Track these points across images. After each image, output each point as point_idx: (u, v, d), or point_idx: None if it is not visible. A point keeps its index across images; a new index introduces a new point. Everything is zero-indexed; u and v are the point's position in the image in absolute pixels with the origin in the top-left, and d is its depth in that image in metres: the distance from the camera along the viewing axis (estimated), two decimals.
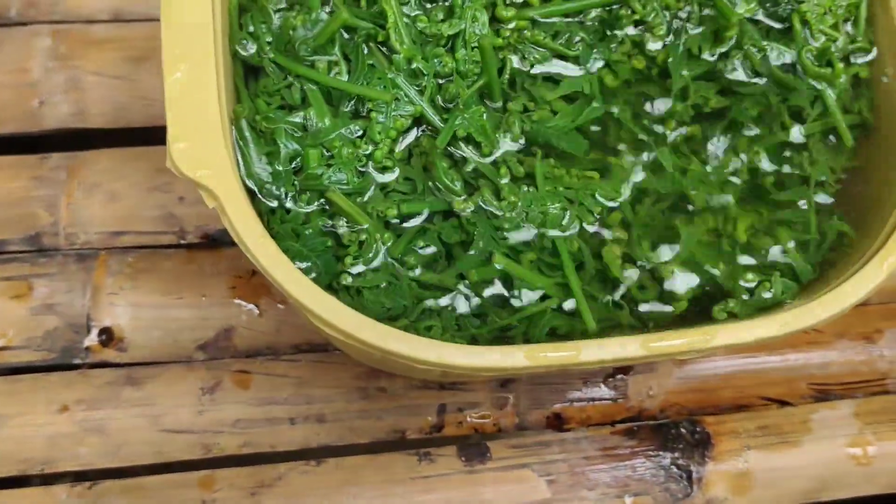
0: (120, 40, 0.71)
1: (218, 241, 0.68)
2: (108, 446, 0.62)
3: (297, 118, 0.54)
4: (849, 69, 0.59)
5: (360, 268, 0.53)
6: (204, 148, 0.49)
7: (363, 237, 0.53)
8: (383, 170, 0.54)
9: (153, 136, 0.69)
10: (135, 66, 0.71)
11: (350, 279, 0.52)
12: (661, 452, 0.64)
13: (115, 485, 0.61)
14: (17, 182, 0.68)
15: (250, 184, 0.53)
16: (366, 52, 0.55)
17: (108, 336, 0.65)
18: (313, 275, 0.52)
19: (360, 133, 0.54)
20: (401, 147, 0.55)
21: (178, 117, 0.49)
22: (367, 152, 0.54)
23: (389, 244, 0.53)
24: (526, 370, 0.48)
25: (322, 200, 0.54)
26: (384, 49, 0.55)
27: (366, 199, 0.54)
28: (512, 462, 0.63)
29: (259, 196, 0.53)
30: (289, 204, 0.53)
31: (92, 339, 0.65)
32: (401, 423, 0.64)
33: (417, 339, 0.47)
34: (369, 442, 0.64)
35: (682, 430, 0.65)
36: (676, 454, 0.64)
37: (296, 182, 0.53)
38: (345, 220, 0.53)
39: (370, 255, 0.53)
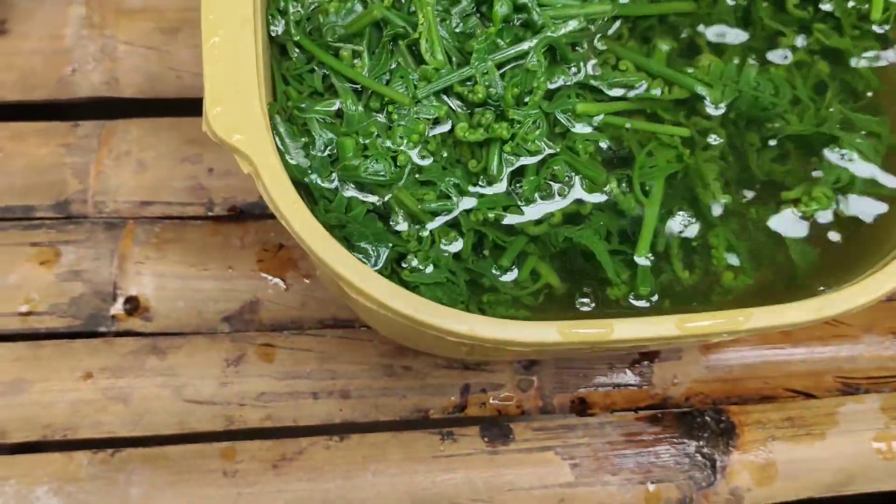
0: (153, 11, 0.71)
1: (246, 213, 0.68)
2: (131, 415, 0.62)
3: (332, 106, 0.54)
4: None
5: (418, 264, 0.53)
6: (240, 113, 0.48)
7: (424, 234, 0.53)
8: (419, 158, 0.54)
9: (184, 107, 0.69)
10: (167, 38, 0.70)
11: (409, 274, 0.52)
12: (685, 440, 0.64)
13: (137, 453, 0.61)
14: (48, 148, 0.68)
15: (297, 174, 0.53)
16: (391, 50, 0.55)
17: (133, 305, 0.65)
18: (376, 260, 0.52)
19: (388, 126, 0.54)
20: (432, 132, 0.55)
21: (214, 81, 0.49)
22: (393, 154, 0.54)
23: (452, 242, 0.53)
24: (558, 346, 0.47)
25: (361, 192, 0.53)
26: (413, 50, 0.55)
27: (401, 184, 0.54)
28: (535, 444, 0.63)
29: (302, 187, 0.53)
30: (329, 188, 0.53)
31: (117, 308, 0.65)
32: (424, 402, 0.64)
33: (448, 310, 0.47)
34: (393, 420, 0.64)
35: (707, 419, 0.65)
36: (701, 442, 0.64)
37: (333, 172, 0.53)
38: (402, 213, 0.53)
39: (433, 253, 0.53)
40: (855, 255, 0.55)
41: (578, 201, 0.55)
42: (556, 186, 0.55)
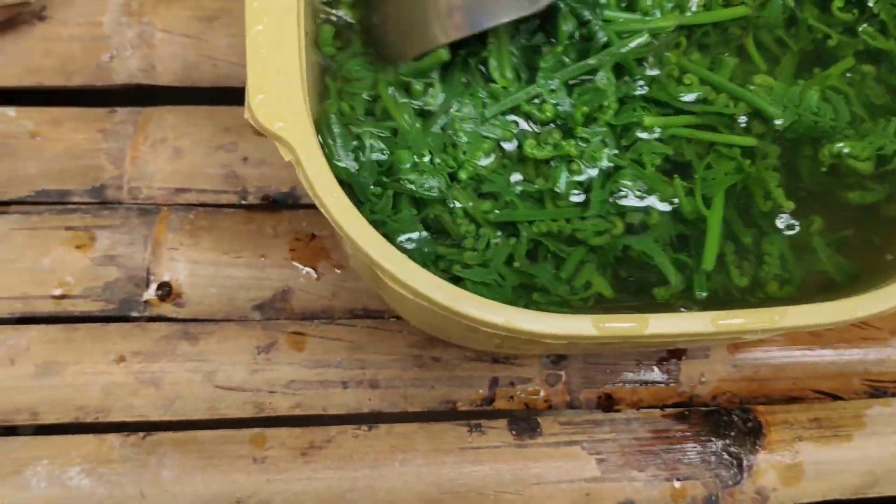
0: None
1: (279, 203, 0.68)
2: (162, 399, 0.63)
3: (387, 127, 0.54)
4: None
5: (470, 261, 0.53)
6: (282, 101, 0.49)
7: (475, 231, 0.53)
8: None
9: (220, 96, 0.70)
10: (205, 26, 0.71)
11: (460, 269, 0.53)
12: (712, 438, 0.64)
13: (168, 437, 0.62)
14: (84, 134, 0.68)
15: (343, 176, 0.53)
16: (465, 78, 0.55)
17: (166, 291, 0.65)
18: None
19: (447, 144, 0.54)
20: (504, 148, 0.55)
21: (257, 69, 0.49)
22: (452, 170, 0.54)
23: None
24: (593, 339, 0.48)
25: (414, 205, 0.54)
26: (482, 68, 0.56)
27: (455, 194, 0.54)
28: (562, 439, 0.63)
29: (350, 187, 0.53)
30: (376, 192, 0.53)
31: (150, 293, 0.65)
32: (453, 394, 0.64)
33: (485, 301, 0.47)
34: (421, 410, 0.64)
35: (735, 418, 0.65)
36: (728, 441, 0.64)
37: (384, 180, 0.53)
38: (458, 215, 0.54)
39: (485, 250, 0.53)
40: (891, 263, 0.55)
41: (644, 211, 0.55)
42: (629, 196, 0.55)
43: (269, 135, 0.49)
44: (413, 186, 0.53)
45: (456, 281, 0.52)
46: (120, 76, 0.70)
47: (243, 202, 0.68)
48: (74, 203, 0.67)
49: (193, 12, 0.71)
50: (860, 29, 0.59)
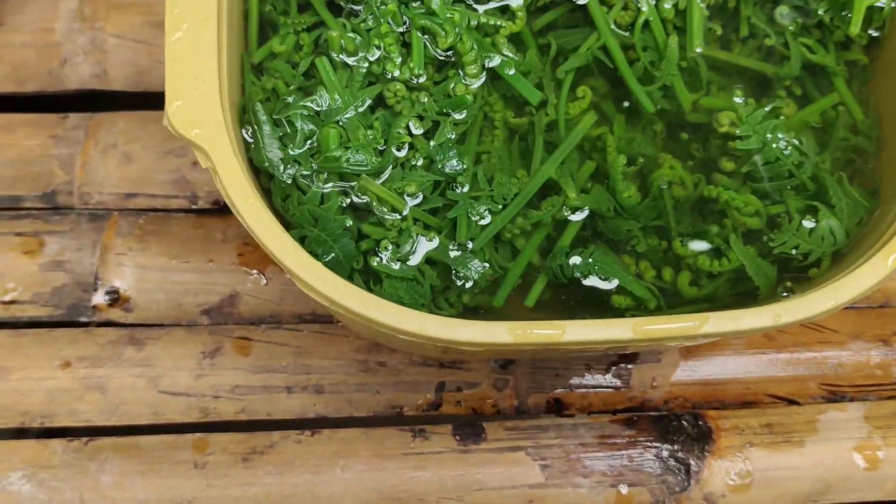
0: (144, 4, 0.71)
1: (228, 207, 0.68)
2: (107, 404, 0.63)
3: (312, 103, 0.54)
4: None
5: (389, 255, 0.53)
6: (199, 107, 0.49)
7: (403, 224, 0.53)
8: (400, 146, 0.54)
9: None
10: (157, 31, 0.71)
11: (378, 262, 0.53)
12: (659, 444, 0.63)
13: (110, 442, 0.62)
14: (36, 140, 0.69)
15: (267, 167, 0.53)
16: None
17: (114, 296, 0.65)
18: (331, 258, 0.52)
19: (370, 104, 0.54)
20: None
21: (176, 76, 0.49)
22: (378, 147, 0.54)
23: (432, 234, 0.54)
24: (510, 346, 0.47)
25: (341, 182, 0.54)
26: None
27: (384, 178, 0.54)
28: (506, 444, 0.63)
29: (276, 179, 0.53)
30: (306, 184, 0.53)
31: (98, 299, 0.66)
32: (398, 399, 0.64)
33: (399, 308, 0.47)
34: (366, 416, 0.64)
35: (684, 423, 0.64)
36: (676, 447, 0.63)
37: (314, 164, 0.53)
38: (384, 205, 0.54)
39: (408, 244, 0.53)
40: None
41: None
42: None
43: (186, 142, 0.49)
44: (341, 163, 0.52)
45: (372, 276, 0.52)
46: (72, 82, 0.71)
47: (193, 207, 0.68)
48: (25, 209, 0.68)
49: (146, 17, 0.71)
50: (800, 40, 0.58)
